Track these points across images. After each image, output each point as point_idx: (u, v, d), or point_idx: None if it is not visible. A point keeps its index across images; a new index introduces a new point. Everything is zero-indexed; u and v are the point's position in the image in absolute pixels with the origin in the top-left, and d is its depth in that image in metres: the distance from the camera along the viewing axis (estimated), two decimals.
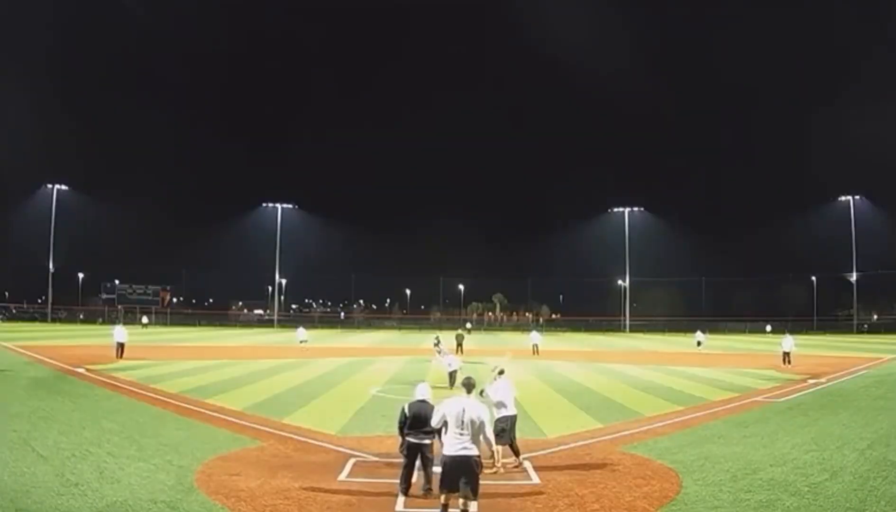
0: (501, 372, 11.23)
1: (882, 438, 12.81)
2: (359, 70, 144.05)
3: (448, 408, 7.65)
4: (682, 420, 15.32)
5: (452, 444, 7.43)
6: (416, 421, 8.87)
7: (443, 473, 7.46)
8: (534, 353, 36.28)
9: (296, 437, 12.82)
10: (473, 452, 7.40)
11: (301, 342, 39.21)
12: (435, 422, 8.09)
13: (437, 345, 29.11)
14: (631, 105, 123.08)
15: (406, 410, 9.02)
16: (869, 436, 13.04)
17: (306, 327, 49.19)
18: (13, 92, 77.53)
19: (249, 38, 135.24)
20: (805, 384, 22.78)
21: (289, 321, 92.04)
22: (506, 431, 10.53)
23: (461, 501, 7.34)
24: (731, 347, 50.24)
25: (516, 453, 10.64)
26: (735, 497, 8.83)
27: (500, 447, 10.11)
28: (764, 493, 9.03)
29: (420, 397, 9.05)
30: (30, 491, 8.59)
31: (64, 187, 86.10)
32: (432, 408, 8.76)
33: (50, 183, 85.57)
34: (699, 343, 42.60)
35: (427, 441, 8.81)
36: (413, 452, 8.82)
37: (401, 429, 9.05)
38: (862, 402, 18.23)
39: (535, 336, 39.17)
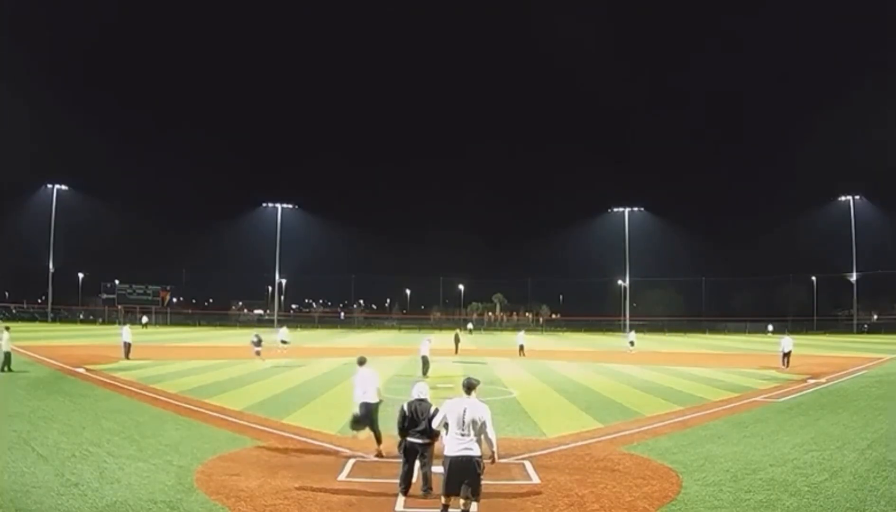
0: (361, 362, 11.86)
1: (882, 438, 12.82)
2: (359, 71, 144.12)
3: (449, 408, 7.63)
4: (682, 420, 15.32)
5: (454, 444, 7.41)
6: (414, 421, 8.85)
7: (445, 475, 7.44)
8: (520, 354, 36.17)
9: (296, 437, 12.81)
10: (475, 452, 7.38)
11: (283, 342, 38.10)
12: (436, 423, 8.07)
13: (256, 344, 28.58)
14: (631, 106, 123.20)
15: (405, 409, 9.01)
16: (869, 436, 13.05)
17: (292, 328, 48.48)
18: (14, 92, 77.59)
19: (251, 38, 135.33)
20: (805, 384, 22.78)
21: (289, 321, 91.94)
22: (366, 416, 11.15)
23: (462, 501, 7.33)
24: (731, 347, 50.25)
25: (378, 440, 11.17)
26: (735, 497, 8.83)
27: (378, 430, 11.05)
28: (764, 493, 9.03)
29: (418, 396, 9.02)
30: (30, 491, 8.59)
31: (64, 187, 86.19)
32: (430, 406, 8.76)
33: (50, 183, 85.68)
34: (632, 343, 42.52)
35: (422, 441, 8.76)
36: (411, 453, 8.79)
37: (400, 428, 9.04)
38: (862, 402, 18.24)
39: (521, 337, 39.13)
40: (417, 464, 8.86)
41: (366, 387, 11.43)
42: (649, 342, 55.54)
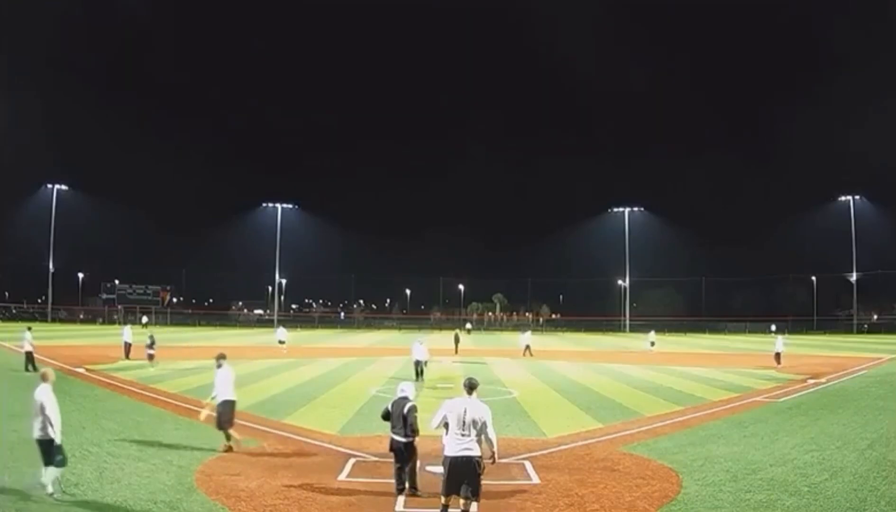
0: (222, 356, 12.08)
1: (882, 438, 12.83)
2: (359, 70, 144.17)
3: (449, 408, 7.62)
4: (682, 420, 15.33)
5: (454, 444, 7.40)
6: (392, 417, 8.98)
7: (445, 475, 7.43)
8: (524, 354, 35.99)
9: (296, 437, 12.83)
10: (475, 452, 7.37)
11: (280, 342, 38.52)
12: (436, 423, 8.08)
13: (149, 346, 27.02)
14: (631, 105, 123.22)
15: (388, 405, 9.17)
16: (869, 436, 13.06)
17: (290, 328, 48.33)
18: (14, 92, 77.53)
19: (253, 39, 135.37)
20: (805, 384, 22.79)
21: (289, 321, 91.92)
22: (228, 413, 11.46)
23: (462, 501, 7.32)
24: (731, 347, 50.24)
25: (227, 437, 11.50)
26: (735, 497, 8.84)
27: (233, 431, 11.43)
28: (764, 493, 9.03)
29: (400, 394, 9.14)
30: (30, 491, 8.59)
31: (64, 187, 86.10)
32: (406, 404, 8.88)
33: (50, 183, 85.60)
34: (652, 344, 42.57)
35: (400, 439, 8.82)
36: (395, 451, 8.87)
37: (382, 417, 9.25)
38: (862, 402, 18.24)
39: (527, 337, 38.96)
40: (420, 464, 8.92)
41: (226, 384, 11.67)
42: (647, 342, 55.45)
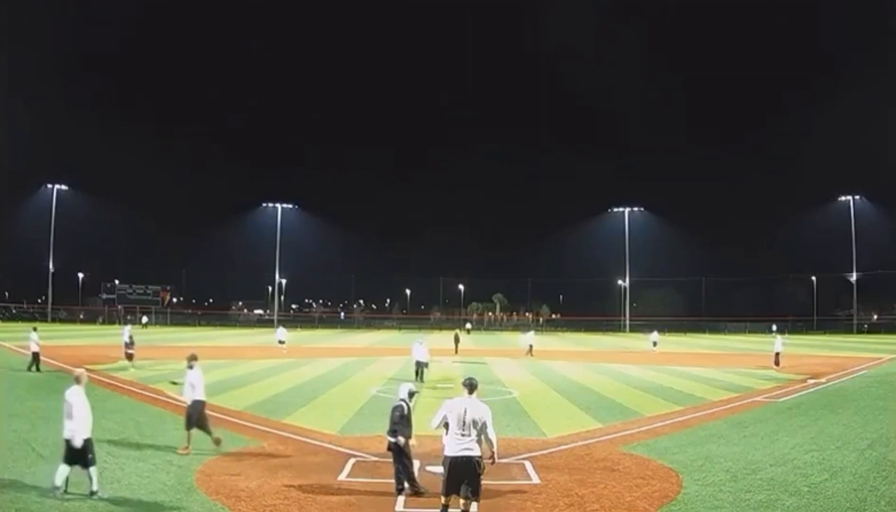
0: (193, 357, 12.22)
1: (882, 438, 12.83)
2: (359, 72, 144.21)
3: (449, 408, 7.61)
4: (682, 420, 15.33)
5: (454, 445, 7.39)
6: (390, 420, 9.13)
7: (445, 475, 7.43)
8: (527, 354, 35.89)
9: (296, 437, 12.83)
10: (475, 452, 7.37)
11: (280, 342, 38.58)
12: (435, 423, 8.09)
13: (128, 345, 26.10)
14: (631, 105, 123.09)
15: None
16: (869, 436, 13.06)
17: (290, 328, 48.30)
18: (14, 92, 77.55)
19: (251, 38, 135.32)
20: (805, 384, 22.79)
21: (289, 321, 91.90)
22: (198, 413, 11.48)
23: (462, 501, 7.32)
24: (731, 347, 50.24)
25: (208, 433, 11.48)
26: (735, 497, 8.84)
27: (192, 431, 11.30)
28: (764, 493, 9.03)
29: (399, 396, 9.34)
30: (30, 491, 8.59)
31: (64, 187, 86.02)
32: (399, 404, 9.11)
33: (50, 183, 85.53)
34: (655, 343, 42.56)
35: (390, 439, 8.96)
36: (392, 452, 8.97)
37: None
38: (862, 402, 18.25)
39: (530, 336, 38.92)
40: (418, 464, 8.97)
41: (196, 385, 11.71)
42: (650, 342, 55.42)
